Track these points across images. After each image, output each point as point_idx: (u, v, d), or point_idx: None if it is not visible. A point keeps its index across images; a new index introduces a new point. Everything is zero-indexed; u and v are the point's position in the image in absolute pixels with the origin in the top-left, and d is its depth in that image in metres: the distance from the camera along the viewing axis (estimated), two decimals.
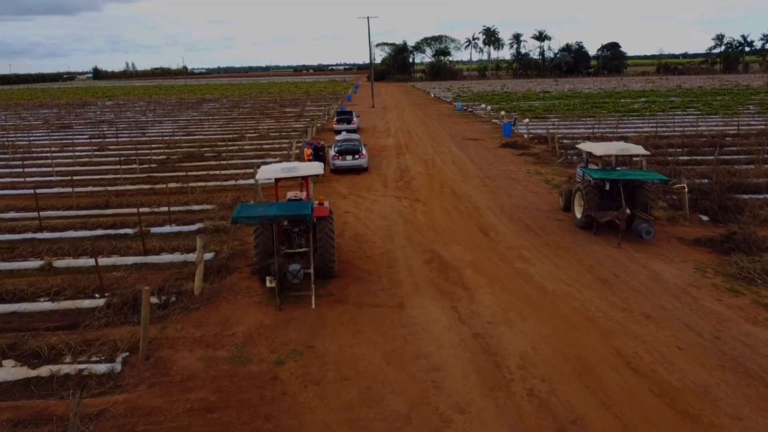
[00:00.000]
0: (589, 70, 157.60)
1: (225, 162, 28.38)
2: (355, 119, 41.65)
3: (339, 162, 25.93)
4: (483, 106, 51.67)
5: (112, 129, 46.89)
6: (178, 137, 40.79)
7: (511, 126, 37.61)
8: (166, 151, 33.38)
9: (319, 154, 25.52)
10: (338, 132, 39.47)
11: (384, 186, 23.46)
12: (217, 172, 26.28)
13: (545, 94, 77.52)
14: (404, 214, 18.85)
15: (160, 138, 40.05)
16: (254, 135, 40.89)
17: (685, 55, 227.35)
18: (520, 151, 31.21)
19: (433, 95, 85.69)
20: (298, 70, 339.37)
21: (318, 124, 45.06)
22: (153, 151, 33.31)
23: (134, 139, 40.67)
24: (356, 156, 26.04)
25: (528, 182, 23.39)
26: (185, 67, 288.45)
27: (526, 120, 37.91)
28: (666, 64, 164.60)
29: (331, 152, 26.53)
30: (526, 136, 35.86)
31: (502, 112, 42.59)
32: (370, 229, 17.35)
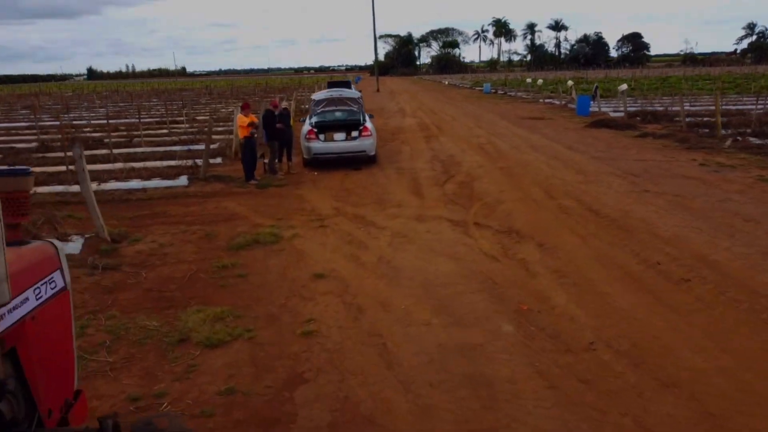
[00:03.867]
0: (609, 62, 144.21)
1: (115, 152, 15.52)
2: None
3: (319, 145, 12.94)
4: (529, 80, 38.49)
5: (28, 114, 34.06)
6: (92, 122, 27.92)
7: (589, 100, 24.75)
8: (42, 137, 20.61)
9: (275, 128, 12.44)
10: None
11: (416, 194, 10.51)
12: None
13: (582, 79, 64.61)
14: (504, 292, 5.84)
15: (62, 123, 27.10)
16: (205, 118, 28.01)
17: (688, 54, 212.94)
18: (632, 132, 18.28)
19: (447, 83, 72.87)
20: (299, 71, 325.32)
21: (303, 108, 32.07)
22: (26, 138, 20.56)
23: (26, 125, 27.82)
24: (354, 133, 13.03)
25: (732, 187, 10.44)
26: (183, 68, 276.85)
27: (623, 86, 24.49)
28: (692, 56, 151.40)
29: (305, 126, 13.61)
30: (618, 113, 22.92)
31: (570, 82, 29.39)
32: (404, 380, 4.33)
